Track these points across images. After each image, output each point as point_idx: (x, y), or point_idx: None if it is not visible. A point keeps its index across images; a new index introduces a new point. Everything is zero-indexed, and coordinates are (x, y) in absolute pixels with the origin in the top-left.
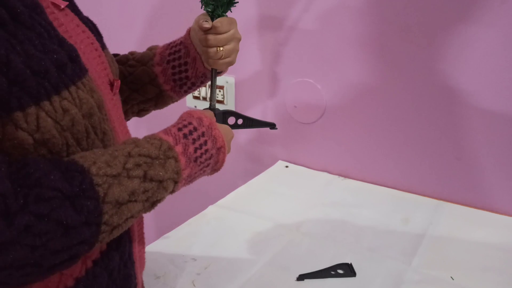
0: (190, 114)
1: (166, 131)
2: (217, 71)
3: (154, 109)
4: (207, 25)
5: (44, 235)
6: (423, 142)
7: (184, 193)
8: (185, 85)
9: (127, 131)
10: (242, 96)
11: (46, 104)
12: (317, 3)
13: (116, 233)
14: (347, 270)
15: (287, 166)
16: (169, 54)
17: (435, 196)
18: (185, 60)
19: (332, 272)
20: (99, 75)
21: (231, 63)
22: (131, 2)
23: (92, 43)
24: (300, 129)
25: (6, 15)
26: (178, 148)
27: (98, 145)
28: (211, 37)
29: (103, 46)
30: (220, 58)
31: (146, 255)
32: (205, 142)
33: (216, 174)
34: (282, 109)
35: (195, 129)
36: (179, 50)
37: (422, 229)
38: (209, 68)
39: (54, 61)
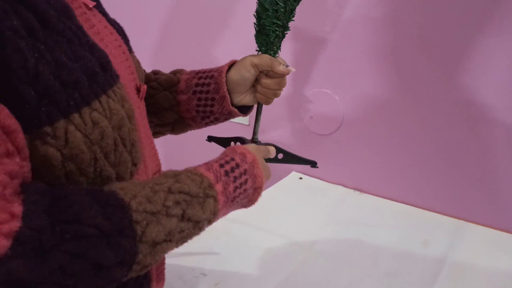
0: (233, 149)
1: (208, 166)
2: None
3: (170, 134)
4: (292, 69)
5: (77, 275)
6: (443, 158)
7: None
8: (207, 118)
9: (152, 141)
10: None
11: (75, 117)
12: (336, 14)
13: (144, 271)
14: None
15: (301, 178)
16: (196, 85)
17: (456, 216)
18: (213, 96)
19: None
20: (127, 79)
21: None
22: (145, 7)
23: (119, 46)
24: (316, 140)
25: (35, 21)
26: (218, 187)
27: (126, 157)
28: (279, 81)
29: (130, 49)
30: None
31: None
32: (246, 181)
33: None
34: (298, 119)
35: (238, 165)
36: (208, 84)
37: (442, 252)
38: (253, 103)
39: (85, 70)
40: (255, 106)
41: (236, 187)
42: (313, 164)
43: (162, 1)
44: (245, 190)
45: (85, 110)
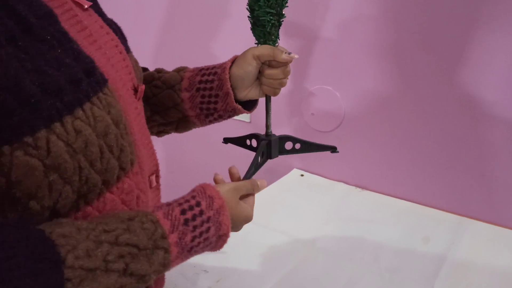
0: (203, 190)
1: (168, 210)
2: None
3: (174, 132)
4: (295, 56)
5: None
6: (445, 155)
7: None
8: (211, 116)
9: (150, 141)
10: (259, 102)
11: (57, 126)
12: (337, 11)
13: None
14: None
15: (302, 175)
16: (200, 82)
17: (457, 212)
18: (217, 92)
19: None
20: (123, 80)
21: None
22: (145, 7)
23: (116, 46)
24: (317, 137)
25: (16, 28)
26: (172, 238)
27: (113, 164)
28: (282, 69)
29: (128, 49)
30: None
31: None
32: (208, 229)
33: None
34: (299, 116)
35: (201, 213)
36: (212, 81)
37: (443, 248)
38: (260, 96)
39: (68, 77)
40: (259, 103)
41: (194, 237)
42: (333, 149)
43: (162, 1)
44: (205, 239)
45: (67, 119)
